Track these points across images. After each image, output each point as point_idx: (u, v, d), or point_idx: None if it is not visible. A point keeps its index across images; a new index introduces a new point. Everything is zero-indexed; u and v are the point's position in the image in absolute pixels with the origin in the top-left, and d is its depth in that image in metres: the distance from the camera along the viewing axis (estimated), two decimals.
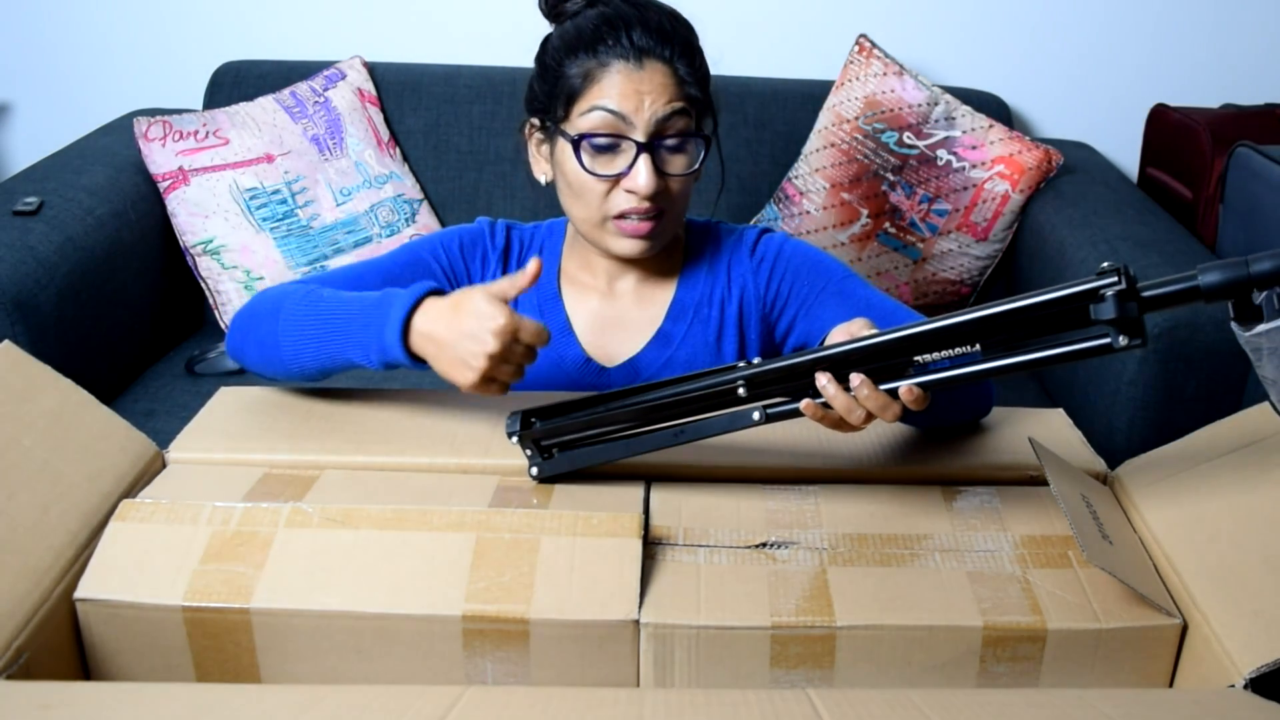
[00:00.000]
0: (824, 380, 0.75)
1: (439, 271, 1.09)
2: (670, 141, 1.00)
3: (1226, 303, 0.67)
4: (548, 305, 1.10)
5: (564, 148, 1.02)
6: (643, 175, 0.99)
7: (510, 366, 0.85)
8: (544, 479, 0.85)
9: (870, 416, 0.75)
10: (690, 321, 1.09)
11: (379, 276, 1.05)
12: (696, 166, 1.02)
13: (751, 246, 1.11)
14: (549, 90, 1.03)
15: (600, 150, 1.00)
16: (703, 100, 1.03)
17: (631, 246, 1.03)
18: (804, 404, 0.76)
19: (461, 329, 0.84)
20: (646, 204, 1.00)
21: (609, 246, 1.04)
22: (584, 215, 1.04)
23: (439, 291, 0.88)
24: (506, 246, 1.12)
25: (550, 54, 1.04)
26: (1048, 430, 0.93)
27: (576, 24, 1.02)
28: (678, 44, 1.01)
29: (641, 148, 0.99)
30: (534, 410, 0.85)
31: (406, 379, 1.57)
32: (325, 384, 0.99)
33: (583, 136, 1.00)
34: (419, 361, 0.88)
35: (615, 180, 1.00)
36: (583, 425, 0.84)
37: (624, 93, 0.98)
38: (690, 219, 1.13)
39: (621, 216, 1.01)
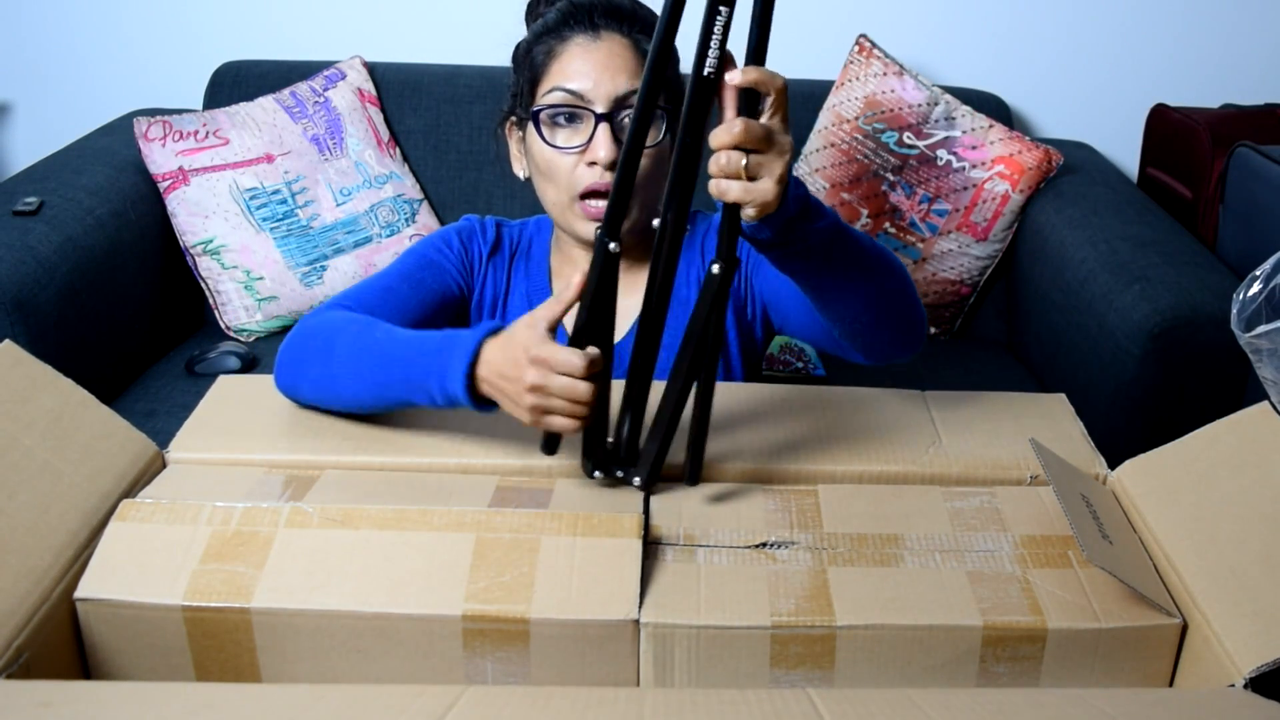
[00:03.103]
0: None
1: (452, 266, 1.10)
2: (630, 113, 1.01)
3: (1227, 303, 0.68)
4: (537, 300, 1.11)
5: (532, 131, 1.04)
6: (602, 145, 0.99)
7: (558, 400, 0.79)
8: (647, 486, 0.83)
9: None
10: (670, 306, 1.10)
11: (406, 285, 1.05)
12: (660, 140, 1.02)
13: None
14: (518, 80, 1.07)
15: (560, 125, 1.02)
16: (666, 78, 1.03)
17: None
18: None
19: (505, 363, 0.81)
20: (608, 177, 1.00)
21: (578, 231, 1.05)
22: (554, 199, 1.05)
23: (498, 330, 0.85)
24: (496, 242, 1.13)
25: (521, 47, 1.08)
26: (1048, 418, 0.93)
27: (545, 18, 1.06)
28: (639, 21, 1.03)
29: (600, 118, 1.00)
30: (589, 446, 0.83)
31: None
32: None
33: (543, 109, 1.02)
34: (485, 405, 0.84)
35: (580, 155, 1.01)
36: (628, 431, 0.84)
37: (582, 68, 1.00)
38: None
39: (587, 196, 1.01)
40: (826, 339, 0.99)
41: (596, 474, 0.84)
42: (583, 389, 0.78)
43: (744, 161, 0.74)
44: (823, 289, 0.88)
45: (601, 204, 1.01)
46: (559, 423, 0.80)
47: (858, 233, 0.88)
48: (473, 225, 1.13)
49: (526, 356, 0.79)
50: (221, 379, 0.98)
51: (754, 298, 1.10)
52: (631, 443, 0.84)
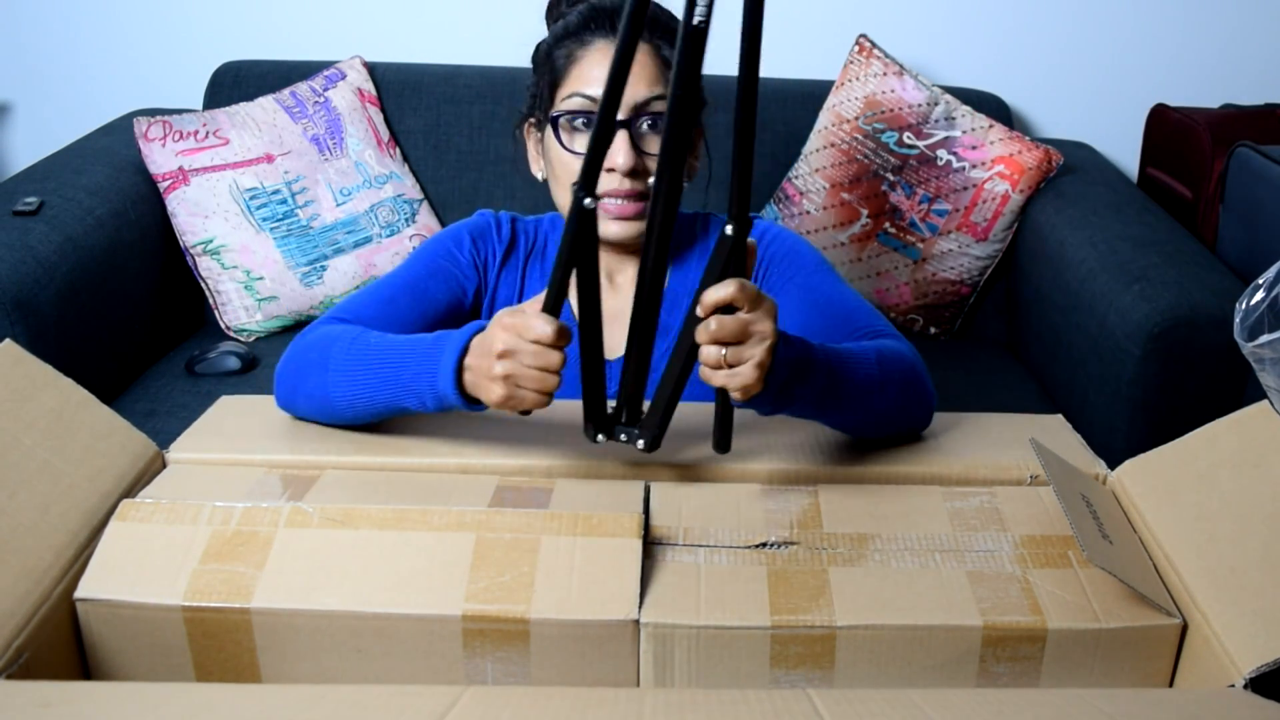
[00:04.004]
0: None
1: (462, 270, 1.09)
2: (650, 120, 1.01)
3: (1227, 303, 0.68)
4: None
5: (550, 135, 1.04)
6: (620, 152, 0.99)
7: (527, 371, 0.79)
8: (651, 447, 0.83)
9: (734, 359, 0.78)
10: (684, 310, 1.10)
11: (409, 296, 1.04)
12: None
13: None
14: (538, 82, 1.07)
15: (579, 130, 1.02)
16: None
17: (616, 229, 1.03)
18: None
19: (481, 343, 0.82)
20: (628, 184, 1.00)
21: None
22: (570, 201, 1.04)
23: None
24: (512, 241, 1.12)
25: (541, 49, 1.08)
26: (1047, 436, 0.93)
27: (566, 20, 1.06)
28: (660, 26, 1.02)
29: (619, 125, 0.99)
30: (590, 409, 0.83)
31: None
32: None
33: (562, 115, 1.02)
34: (473, 403, 0.85)
35: None
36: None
37: (603, 75, 1.00)
38: (681, 211, 1.14)
39: (604, 199, 1.01)
40: None
41: (600, 438, 0.83)
42: (554, 358, 0.79)
43: (723, 353, 0.77)
44: (822, 420, 0.90)
45: (622, 205, 1.01)
46: (529, 397, 0.80)
47: (860, 363, 0.89)
48: (488, 221, 1.12)
49: (498, 324, 0.80)
50: (223, 398, 0.98)
51: None
52: (634, 405, 0.83)
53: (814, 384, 0.84)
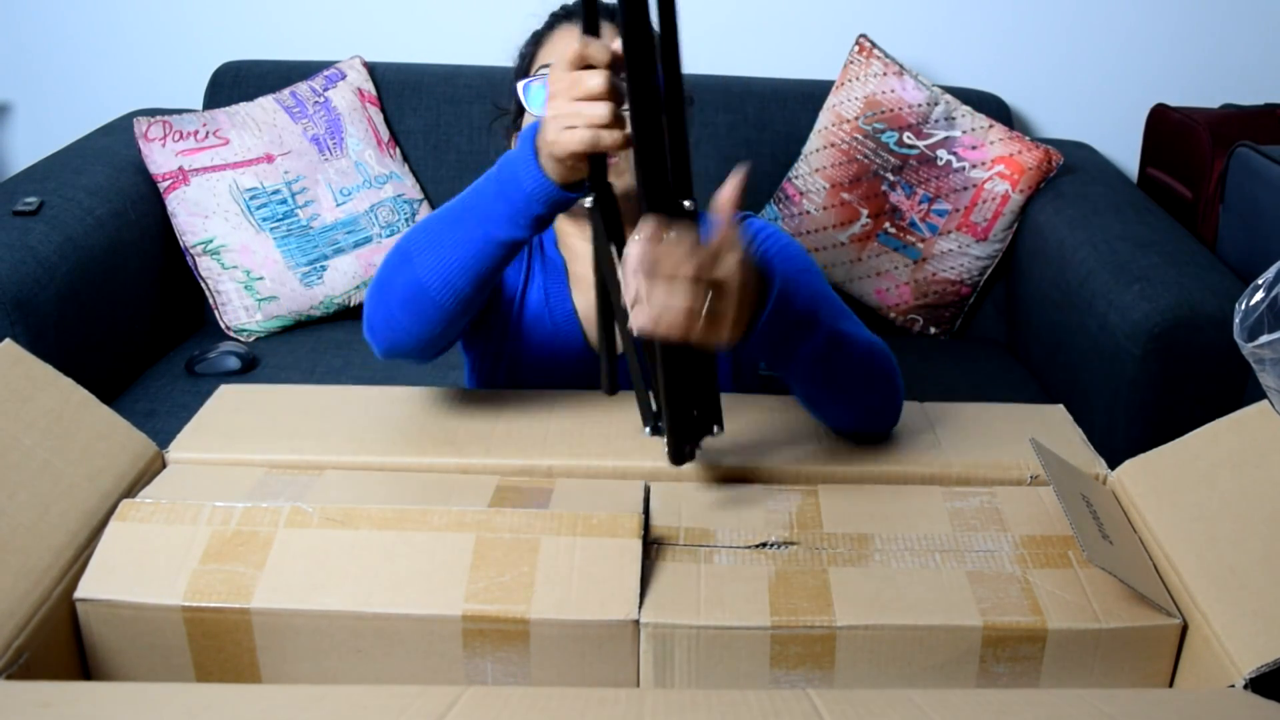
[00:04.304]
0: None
1: None
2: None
3: (1227, 303, 0.68)
4: (555, 296, 1.11)
5: (527, 117, 1.07)
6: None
7: (583, 102, 0.74)
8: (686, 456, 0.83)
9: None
10: None
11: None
12: None
13: None
14: (514, 79, 1.11)
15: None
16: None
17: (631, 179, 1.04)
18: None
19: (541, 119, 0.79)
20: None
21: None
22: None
23: None
24: None
25: (515, 62, 1.14)
26: (1047, 427, 0.93)
27: (535, 31, 1.13)
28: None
29: None
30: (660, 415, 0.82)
31: (409, 374, 1.57)
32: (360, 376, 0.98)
33: (530, 80, 1.04)
34: (566, 187, 0.80)
35: None
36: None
37: (567, 45, 1.01)
38: None
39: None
40: None
41: (687, 449, 0.82)
42: (602, 79, 0.74)
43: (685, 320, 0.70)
44: (804, 390, 0.89)
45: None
46: (600, 128, 0.74)
47: (852, 345, 0.87)
48: None
49: (563, 61, 0.76)
50: (223, 387, 0.98)
51: None
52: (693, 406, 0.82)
53: (806, 352, 0.82)
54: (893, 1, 2.05)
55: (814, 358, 0.83)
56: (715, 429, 0.83)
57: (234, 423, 0.92)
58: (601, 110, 0.75)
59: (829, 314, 0.99)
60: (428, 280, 0.87)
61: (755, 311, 0.76)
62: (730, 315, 0.72)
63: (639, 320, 0.71)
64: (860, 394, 0.88)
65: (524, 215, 0.82)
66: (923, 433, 0.92)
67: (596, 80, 0.75)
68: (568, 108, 0.76)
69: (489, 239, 0.84)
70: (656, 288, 0.69)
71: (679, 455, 0.82)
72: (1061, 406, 0.98)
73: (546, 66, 1.05)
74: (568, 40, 1.03)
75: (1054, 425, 0.94)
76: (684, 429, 0.81)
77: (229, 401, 0.96)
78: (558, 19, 1.11)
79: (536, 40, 1.11)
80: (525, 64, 1.12)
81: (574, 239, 1.12)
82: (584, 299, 1.12)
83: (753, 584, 0.73)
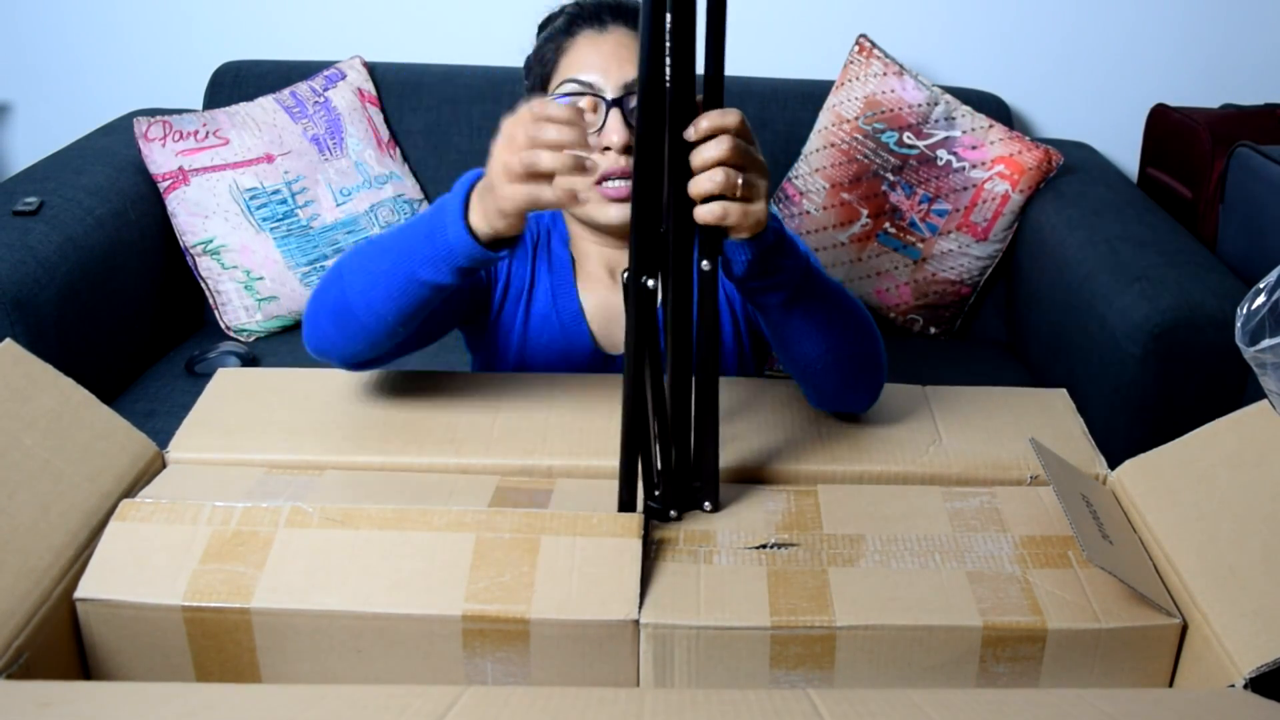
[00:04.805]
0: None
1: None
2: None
3: (1227, 303, 0.67)
4: (562, 294, 1.11)
5: None
6: (614, 130, 1.01)
7: (545, 147, 0.76)
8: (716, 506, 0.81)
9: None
10: None
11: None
12: None
13: None
14: (530, 85, 1.10)
15: None
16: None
17: (616, 212, 1.04)
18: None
19: (484, 177, 0.81)
20: (623, 162, 1.02)
21: (594, 216, 1.06)
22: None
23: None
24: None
25: (531, 55, 1.11)
26: (1048, 413, 0.93)
27: (553, 24, 1.09)
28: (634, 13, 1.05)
29: (611, 104, 1.02)
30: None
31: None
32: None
33: (556, 99, 1.03)
34: (490, 247, 0.81)
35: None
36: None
37: (592, 59, 1.03)
38: None
39: (602, 181, 1.03)
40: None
41: (672, 514, 0.80)
42: (573, 133, 0.76)
43: (740, 179, 0.73)
44: (786, 328, 0.88)
45: (620, 185, 1.02)
46: (545, 188, 0.76)
47: (829, 279, 0.90)
48: None
49: (504, 130, 0.79)
50: (221, 371, 0.98)
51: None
52: (688, 469, 0.80)
53: (795, 263, 0.83)
54: (893, 1, 2.05)
55: (802, 283, 0.84)
56: (706, 505, 0.80)
57: (233, 416, 0.92)
58: (549, 161, 0.76)
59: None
60: (354, 303, 0.88)
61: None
62: (761, 185, 0.76)
63: (736, 217, 0.74)
64: (838, 333, 0.88)
65: (446, 264, 0.83)
66: (922, 421, 0.92)
67: (552, 133, 0.76)
68: (514, 158, 0.77)
69: (412, 278, 0.84)
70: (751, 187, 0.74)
71: (663, 508, 0.79)
72: (1064, 391, 0.97)
73: (571, 81, 1.03)
74: (594, 51, 1.02)
75: (1055, 413, 0.94)
76: (681, 487, 0.80)
77: (228, 388, 0.96)
78: (577, 22, 1.06)
79: (558, 47, 1.07)
80: (545, 70, 1.07)
81: (585, 241, 1.12)
82: (591, 298, 1.11)
83: (752, 584, 0.73)
